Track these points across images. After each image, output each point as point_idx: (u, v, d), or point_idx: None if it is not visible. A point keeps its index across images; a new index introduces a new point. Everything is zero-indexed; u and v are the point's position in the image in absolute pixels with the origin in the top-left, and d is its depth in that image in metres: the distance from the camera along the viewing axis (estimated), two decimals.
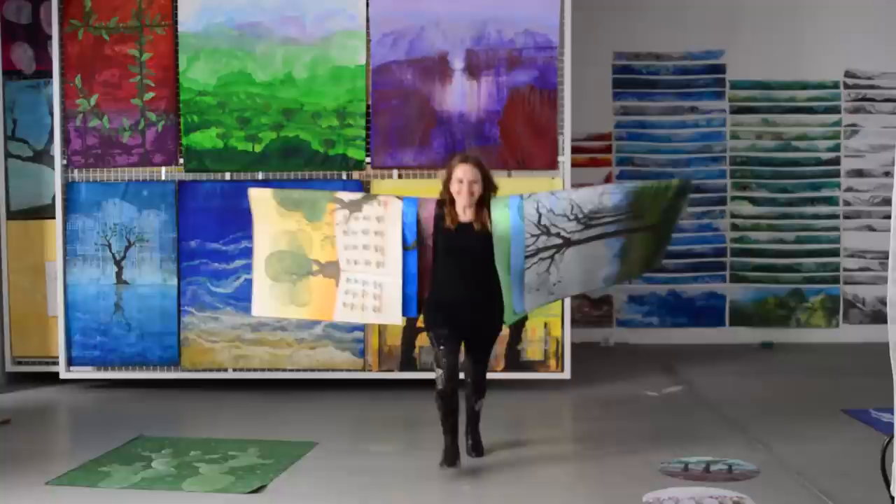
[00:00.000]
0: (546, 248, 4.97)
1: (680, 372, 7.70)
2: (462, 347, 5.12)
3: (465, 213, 5.01)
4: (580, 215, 4.95)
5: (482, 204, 5.01)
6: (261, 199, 5.32)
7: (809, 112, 9.10)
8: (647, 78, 9.14)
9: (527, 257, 4.96)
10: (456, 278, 5.02)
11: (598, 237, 5.01)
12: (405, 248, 5.01)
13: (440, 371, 4.97)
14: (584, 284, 5.25)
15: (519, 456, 5.41)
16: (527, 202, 4.97)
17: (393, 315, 5.08)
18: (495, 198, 5.03)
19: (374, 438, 5.81)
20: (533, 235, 4.95)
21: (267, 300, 5.30)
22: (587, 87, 8.44)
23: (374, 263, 5.05)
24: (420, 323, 5.83)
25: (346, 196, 5.22)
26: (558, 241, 4.98)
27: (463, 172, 4.97)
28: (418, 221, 5.02)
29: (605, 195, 4.99)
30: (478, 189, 4.98)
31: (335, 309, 5.15)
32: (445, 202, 5.05)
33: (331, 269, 5.14)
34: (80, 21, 7.09)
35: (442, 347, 4.98)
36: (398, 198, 5.09)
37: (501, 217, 4.96)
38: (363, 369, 7.04)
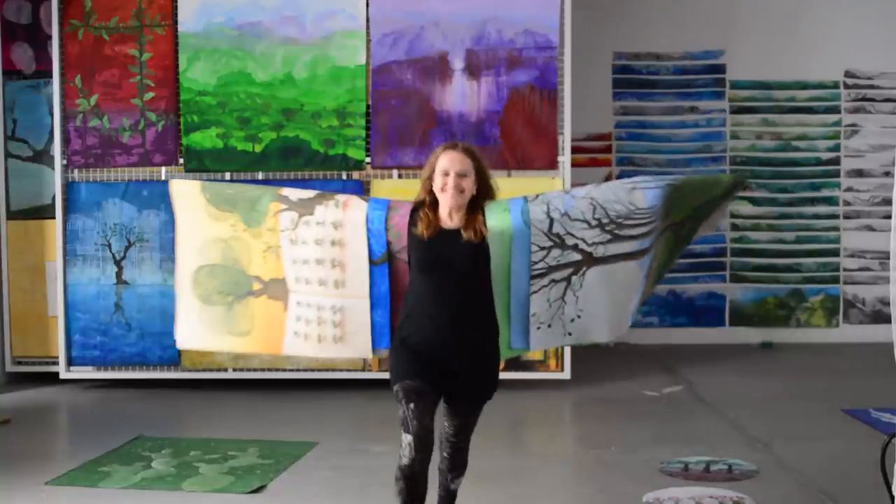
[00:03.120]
0: (560, 267, 3.80)
1: (680, 372, 7.70)
2: (441, 404, 3.78)
3: (451, 218, 3.72)
4: (605, 220, 3.80)
5: (476, 209, 3.74)
6: (185, 195, 4.18)
7: (809, 112, 9.09)
8: (647, 78, 9.14)
9: (533, 277, 3.78)
10: (436, 306, 3.66)
11: (630, 256, 3.87)
12: (372, 262, 3.86)
13: (407, 439, 3.53)
14: (613, 326, 3.95)
15: (519, 456, 5.41)
16: (533, 204, 3.79)
17: (360, 346, 3.93)
18: (490, 204, 3.78)
19: (374, 438, 5.81)
20: (542, 248, 3.77)
21: (195, 327, 4.11)
22: (587, 87, 8.42)
23: (330, 283, 3.90)
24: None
25: (294, 194, 4.02)
26: (576, 256, 3.80)
27: (449, 162, 3.71)
28: (388, 229, 3.83)
29: (637, 191, 3.82)
30: (469, 185, 3.70)
31: (283, 340, 3.99)
32: (422, 205, 3.78)
33: (276, 289, 3.99)
34: (80, 21, 7.08)
35: (412, 405, 3.55)
36: (363, 198, 3.99)
37: (499, 223, 3.74)
38: (363, 369, 7.03)
